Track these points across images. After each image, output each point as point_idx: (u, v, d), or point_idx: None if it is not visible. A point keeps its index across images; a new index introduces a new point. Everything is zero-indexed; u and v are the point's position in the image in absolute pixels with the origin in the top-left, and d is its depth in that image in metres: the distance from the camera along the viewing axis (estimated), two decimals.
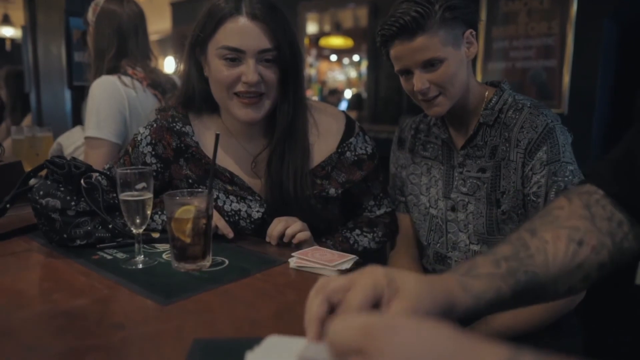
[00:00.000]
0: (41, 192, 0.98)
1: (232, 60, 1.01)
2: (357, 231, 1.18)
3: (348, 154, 1.15)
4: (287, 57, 1.04)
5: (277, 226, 1.04)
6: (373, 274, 0.51)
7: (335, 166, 1.14)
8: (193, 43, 1.08)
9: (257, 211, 1.11)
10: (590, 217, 0.61)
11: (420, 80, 1.04)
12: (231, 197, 1.11)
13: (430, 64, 1.03)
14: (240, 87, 1.02)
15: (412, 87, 1.06)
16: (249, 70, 1.00)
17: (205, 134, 1.15)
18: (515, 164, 1.05)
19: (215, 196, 1.11)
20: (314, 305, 0.51)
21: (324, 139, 1.14)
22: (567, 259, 0.59)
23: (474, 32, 1.08)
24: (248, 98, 1.03)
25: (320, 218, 1.13)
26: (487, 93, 1.12)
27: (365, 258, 1.04)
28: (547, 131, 1.01)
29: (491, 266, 0.58)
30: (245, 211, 1.11)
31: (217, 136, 0.93)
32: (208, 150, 1.11)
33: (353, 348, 0.37)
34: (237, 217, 1.11)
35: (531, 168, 1.02)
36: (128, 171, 0.90)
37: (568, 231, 0.60)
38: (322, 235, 1.13)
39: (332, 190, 1.13)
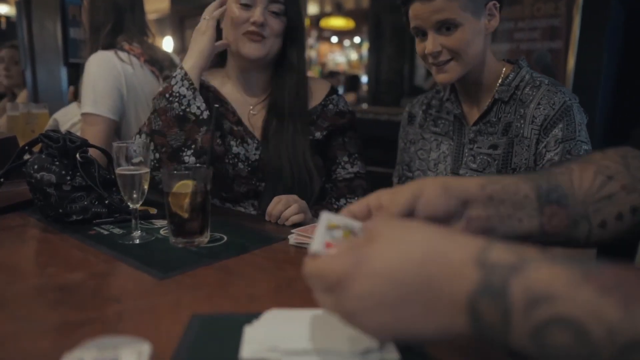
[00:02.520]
0: (36, 166, 0.96)
1: (246, 5, 1.16)
2: (343, 200, 1.25)
3: (331, 106, 1.29)
4: (293, 13, 1.19)
5: (276, 205, 1.04)
6: (413, 185, 0.54)
7: (320, 115, 1.28)
8: None
9: (254, 153, 1.22)
10: (625, 164, 0.58)
11: (432, 42, 1.02)
12: (232, 143, 1.21)
13: (445, 27, 1.01)
14: (248, 27, 1.16)
15: (423, 49, 1.05)
16: (257, 13, 1.15)
17: (213, 82, 1.28)
18: (529, 140, 1.03)
19: (222, 137, 1.21)
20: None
21: (312, 94, 1.30)
22: (595, 187, 0.56)
23: (497, 5, 1.05)
24: (254, 35, 1.16)
25: (309, 168, 1.21)
26: (504, 69, 1.10)
27: None
28: (565, 109, 1.00)
29: (512, 176, 0.59)
30: (244, 154, 1.21)
31: (216, 108, 0.93)
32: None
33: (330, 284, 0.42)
34: (236, 160, 1.21)
35: (545, 145, 1.01)
36: (124, 145, 0.88)
37: (596, 166, 0.58)
38: (309, 196, 1.22)
39: (317, 134, 1.26)
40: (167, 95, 1.11)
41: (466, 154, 1.13)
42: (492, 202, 0.54)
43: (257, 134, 1.24)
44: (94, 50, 1.60)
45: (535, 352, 0.35)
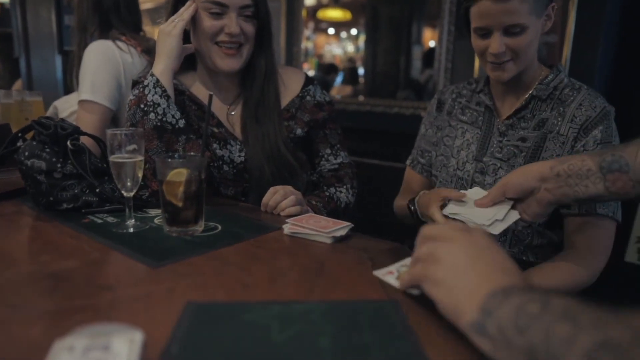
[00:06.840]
0: (27, 153, 0.95)
1: (217, 14, 1.11)
2: (332, 189, 1.24)
3: (308, 98, 1.27)
4: (263, 13, 1.16)
5: (274, 196, 1.04)
6: (503, 179, 0.87)
7: (299, 108, 1.26)
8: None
9: (239, 156, 1.19)
10: None
11: (499, 43, 1.02)
12: (215, 145, 1.18)
13: (512, 30, 1.01)
14: (222, 37, 1.13)
15: (484, 47, 1.06)
16: (232, 23, 1.11)
17: (186, 84, 1.23)
18: (565, 138, 1.06)
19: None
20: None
21: (288, 88, 1.27)
22: None
23: (555, 7, 1.07)
24: (229, 48, 1.13)
25: (291, 164, 1.19)
26: (543, 72, 1.14)
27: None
28: (605, 113, 1.05)
29: (582, 154, 0.80)
30: (228, 156, 1.19)
31: (211, 97, 0.93)
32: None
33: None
34: (221, 162, 1.18)
35: (584, 144, 1.05)
36: (118, 132, 0.87)
37: None
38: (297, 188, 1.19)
39: (299, 131, 1.24)
40: (142, 106, 1.07)
41: (494, 145, 1.16)
42: (560, 177, 0.79)
43: (238, 134, 1.21)
44: (81, 48, 1.59)
45: None
